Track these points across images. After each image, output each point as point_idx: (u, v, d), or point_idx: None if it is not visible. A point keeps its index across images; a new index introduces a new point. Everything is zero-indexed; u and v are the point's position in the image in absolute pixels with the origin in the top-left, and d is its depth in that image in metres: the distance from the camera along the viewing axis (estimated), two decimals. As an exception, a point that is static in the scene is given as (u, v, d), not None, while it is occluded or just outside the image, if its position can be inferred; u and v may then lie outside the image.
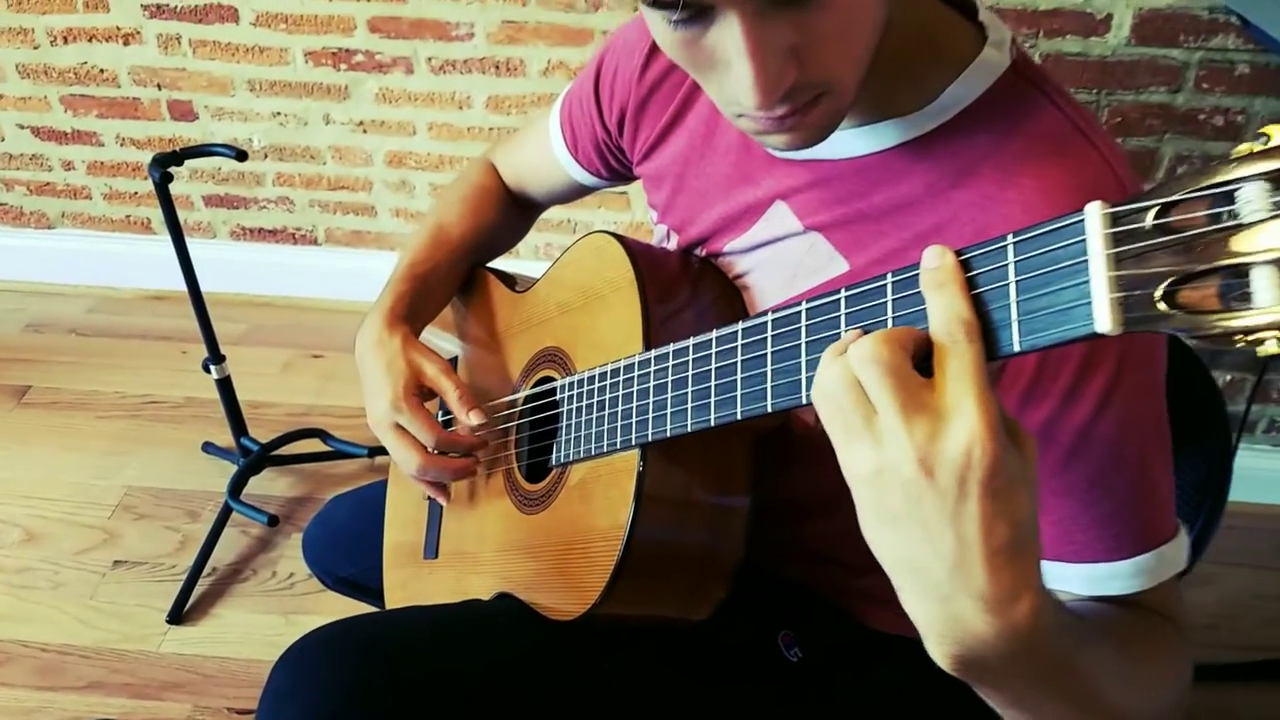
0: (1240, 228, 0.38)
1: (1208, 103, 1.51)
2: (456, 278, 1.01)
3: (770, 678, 0.83)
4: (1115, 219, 0.42)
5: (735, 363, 0.61)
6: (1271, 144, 0.39)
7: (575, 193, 1.01)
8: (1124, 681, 0.56)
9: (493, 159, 1.06)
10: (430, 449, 0.86)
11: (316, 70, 1.97)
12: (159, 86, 2.02)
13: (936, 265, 0.46)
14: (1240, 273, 0.38)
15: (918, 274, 0.48)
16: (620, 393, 0.72)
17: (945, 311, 0.45)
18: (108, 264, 2.28)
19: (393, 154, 2.07)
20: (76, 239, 2.28)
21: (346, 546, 1.17)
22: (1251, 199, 0.39)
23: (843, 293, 0.53)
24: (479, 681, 0.75)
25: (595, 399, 0.75)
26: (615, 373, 0.73)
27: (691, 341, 0.65)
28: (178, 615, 1.63)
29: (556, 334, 0.86)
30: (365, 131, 2.04)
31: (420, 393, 0.88)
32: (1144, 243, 0.41)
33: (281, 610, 1.66)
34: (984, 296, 0.46)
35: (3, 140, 2.14)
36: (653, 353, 0.69)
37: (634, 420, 0.70)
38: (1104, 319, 0.41)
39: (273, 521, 1.73)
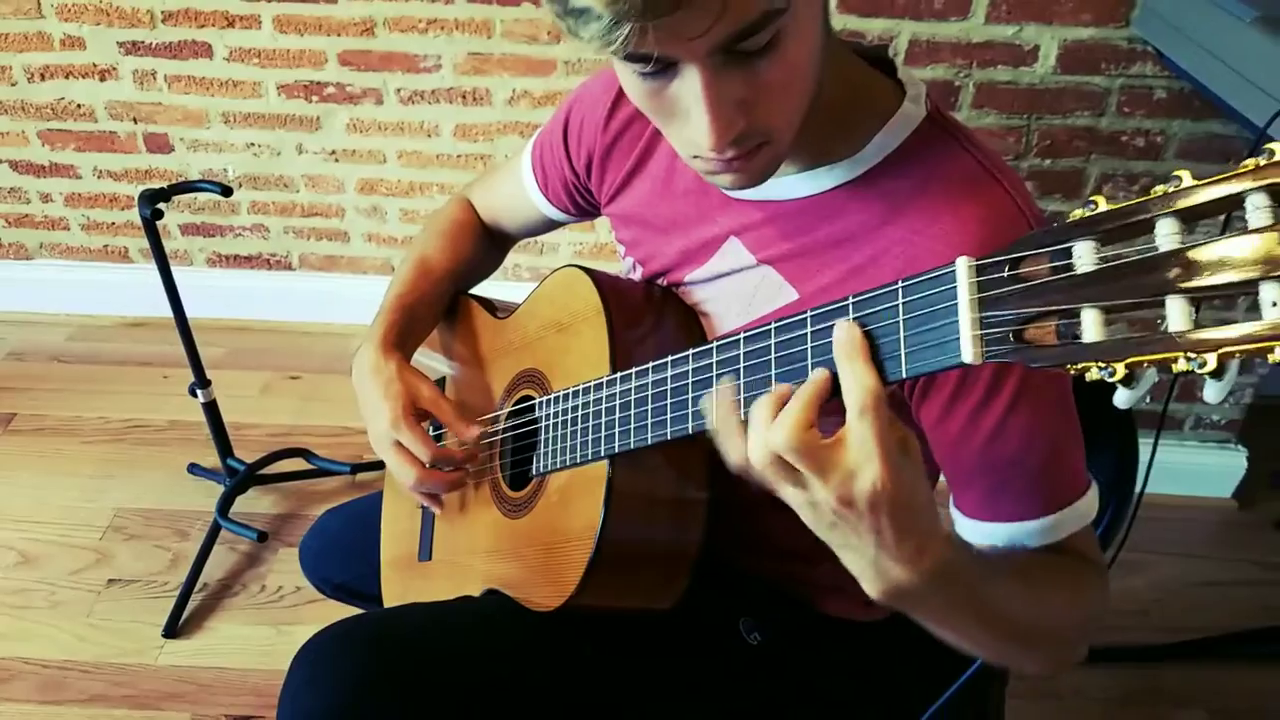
0: (1074, 278, 0.49)
1: (1129, 125, 1.64)
2: (441, 305, 1.10)
3: (733, 659, 0.93)
4: (979, 270, 0.52)
5: (686, 384, 0.71)
6: (1098, 211, 0.49)
7: (546, 226, 1.11)
8: (1028, 605, 0.70)
9: (469, 196, 1.16)
10: (426, 464, 0.95)
11: (289, 102, 2.05)
12: (135, 120, 2.10)
13: (845, 339, 0.57)
14: (1073, 314, 0.49)
15: (831, 311, 0.59)
16: (591, 410, 0.82)
17: (854, 383, 0.56)
18: (87, 292, 2.35)
19: (364, 181, 2.16)
20: (55, 269, 2.35)
21: (340, 555, 1.25)
22: (1082, 254, 0.49)
23: (773, 325, 0.63)
24: (475, 666, 0.84)
25: (570, 415, 0.85)
26: (587, 392, 0.83)
27: (651, 365, 0.75)
28: (173, 629, 1.70)
29: (535, 357, 0.96)
30: (337, 160, 2.13)
31: (416, 413, 0.97)
32: (1001, 290, 0.51)
33: (272, 622, 1.74)
34: (878, 332, 0.56)
35: (-17, 175, 2.20)
36: (619, 375, 0.79)
37: (603, 434, 0.80)
38: (968, 352, 0.52)
39: (262, 537, 1.81)
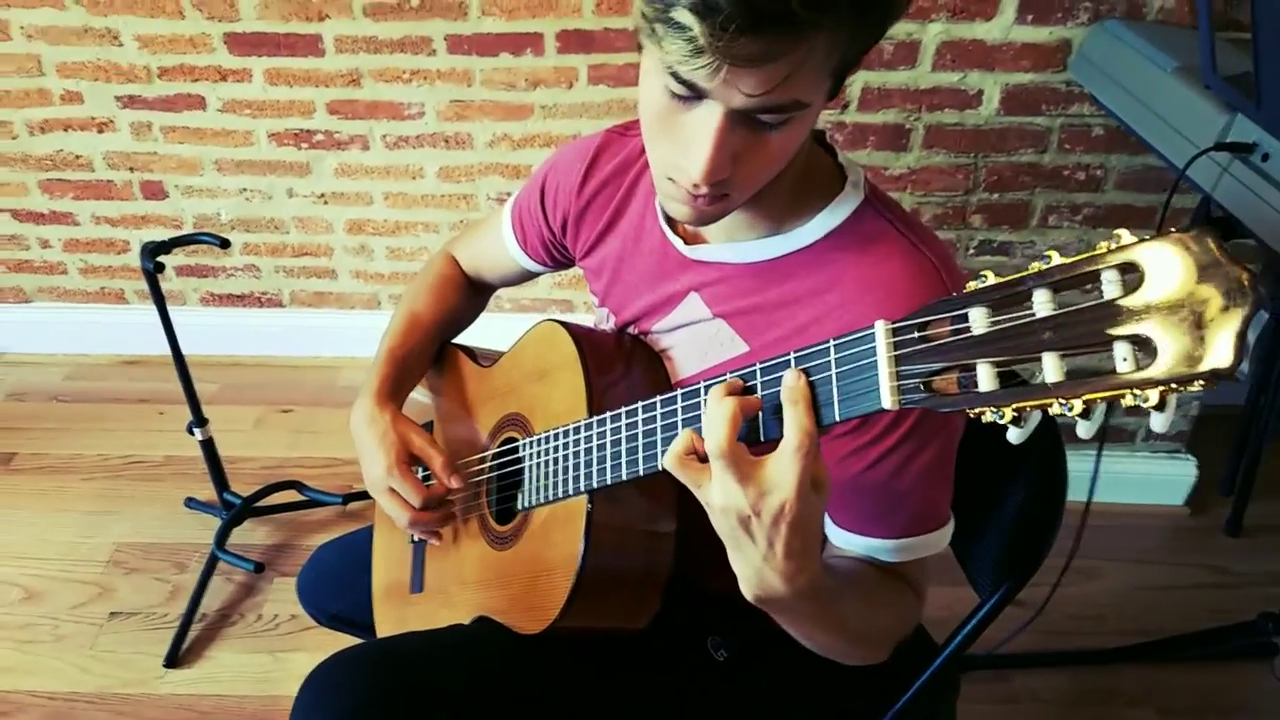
0: (970, 338, 0.59)
1: (1071, 160, 1.75)
2: (429, 356, 1.19)
3: (701, 675, 1.02)
4: (895, 332, 0.62)
5: (655, 427, 0.80)
6: (988, 284, 0.59)
7: (524, 277, 1.21)
8: (862, 619, 0.83)
9: (452, 251, 1.26)
10: (416, 507, 1.04)
11: (280, 149, 2.14)
12: (132, 169, 2.18)
13: (793, 385, 0.67)
14: (970, 368, 0.59)
15: (776, 363, 0.68)
16: (570, 450, 0.91)
17: (794, 425, 0.66)
18: (84, 333, 2.43)
19: (352, 222, 2.25)
20: (53, 311, 2.42)
21: (335, 586, 1.33)
22: (977, 319, 0.59)
23: (729, 375, 0.73)
24: (468, 685, 0.93)
25: (551, 455, 0.94)
26: (567, 434, 0.92)
27: (624, 410, 0.84)
28: (174, 659, 1.77)
29: (518, 402, 1.05)
30: (326, 202, 2.22)
31: (409, 460, 1.06)
32: (912, 348, 0.61)
33: (269, 650, 1.81)
34: (817, 382, 0.66)
35: (-18, 223, 2.28)
36: (594, 418, 0.88)
37: (581, 472, 0.89)
38: (886, 399, 0.61)
39: (259, 568, 1.88)
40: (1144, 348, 0.52)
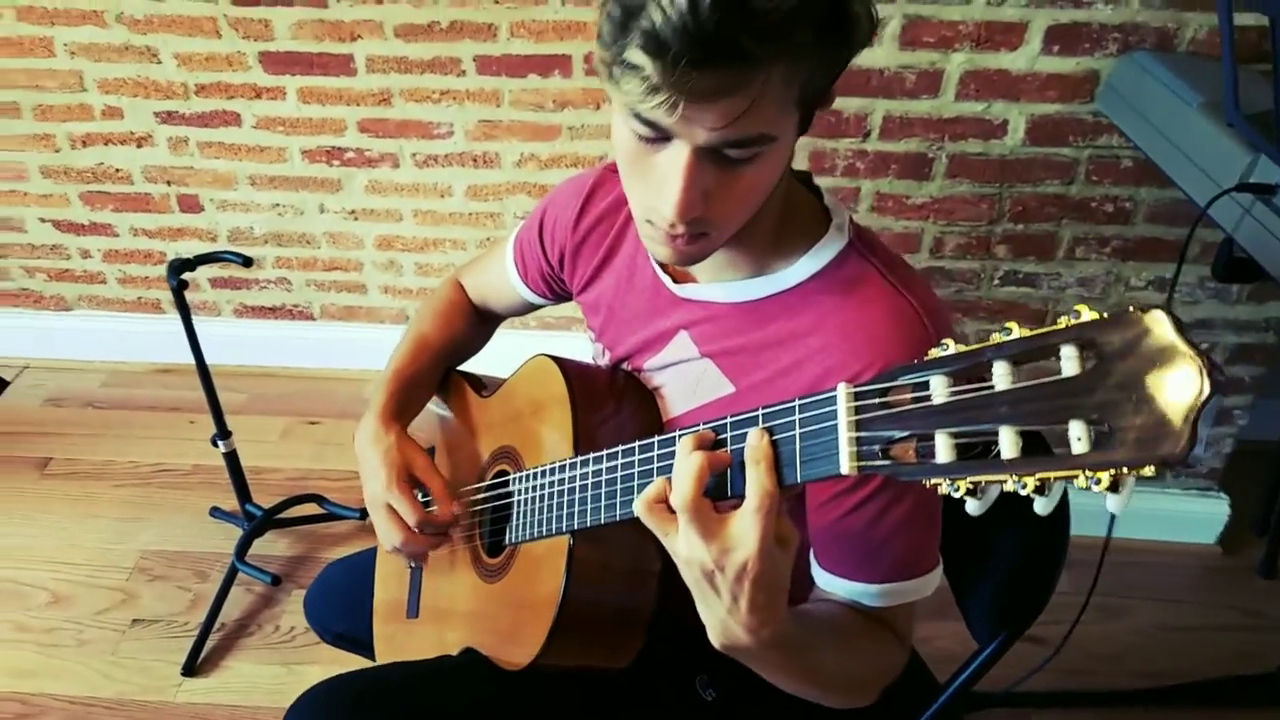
0: (930, 407, 0.58)
1: (1098, 192, 1.72)
2: (435, 378, 1.20)
3: (690, 714, 1.02)
4: (857, 396, 0.61)
5: (634, 472, 0.80)
6: (948, 353, 0.58)
7: (527, 308, 1.22)
8: (838, 666, 0.82)
9: (460, 279, 1.27)
10: (413, 527, 1.05)
11: (312, 166, 2.18)
12: (169, 183, 2.23)
13: (755, 445, 0.67)
14: (929, 438, 0.58)
15: (745, 418, 0.68)
16: (556, 490, 0.91)
17: (755, 485, 0.66)
18: (121, 341, 2.48)
19: (382, 238, 2.28)
20: (92, 319, 2.48)
21: (340, 606, 1.35)
22: (937, 388, 0.58)
23: (700, 427, 0.72)
24: (449, 716, 0.94)
25: (538, 493, 0.95)
26: (553, 472, 0.92)
27: (606, 452, 0.84)
28: (191, 668, 1.80)
29: (511, 435, 1.05)
30: (356, 219, 2.25)
31: (410, 480, 1.06)
32: (872, 414, 0.60)
33: (284, 661, 1.84)
34: (781, 441, 0.66)
35: (26, 233, 2.34)
36: (579, 459, 0.88)
37: (565, 513, 0.89)
38: (845, 465, 0.61)
39: (275, 581, 1.91)
40: (1099, 429, 0.51)
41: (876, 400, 0.60)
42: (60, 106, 2.13)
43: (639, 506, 0.72)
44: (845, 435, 0.61)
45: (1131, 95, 1.52)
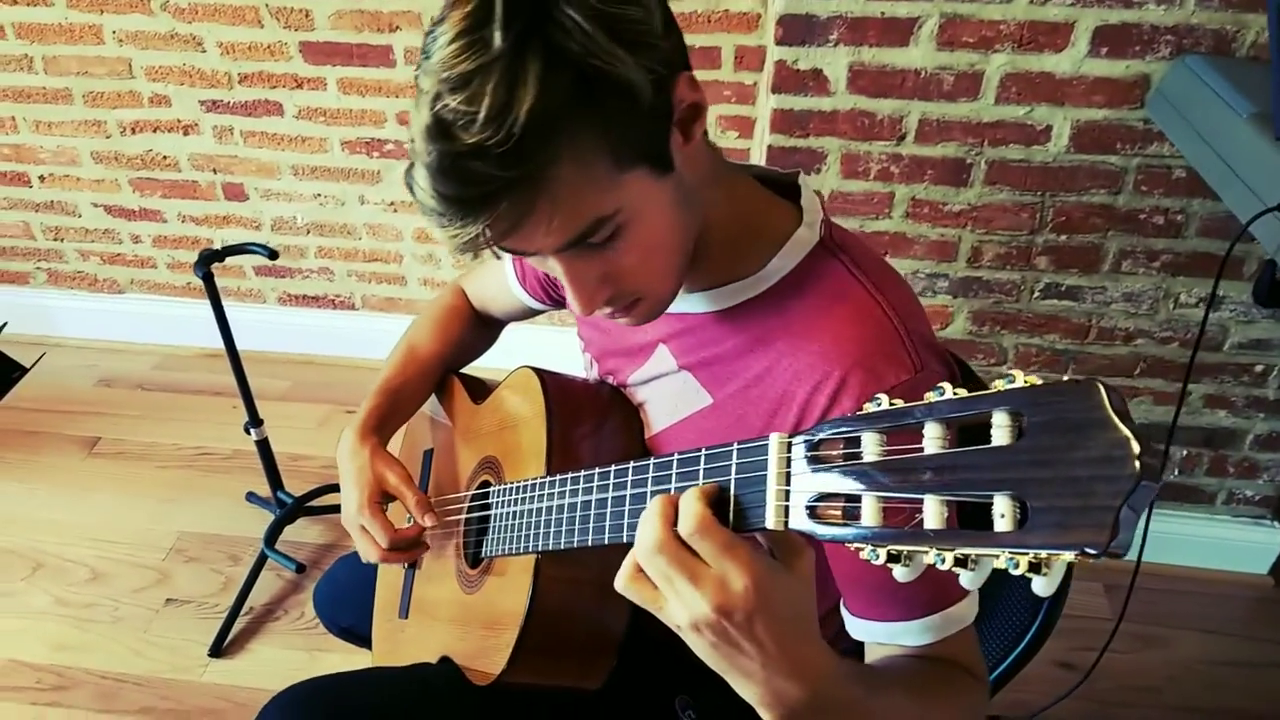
0: (859, 465, 0.54)
1: (1147, 203, 1.63)
2: (425, 389, 1.20)
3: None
4: (786, 447, 0.58)
5: (608, 498, 0.77)
6: (881, 408, 0.55)
7: (527, 314, 1.20)
8: (920, 713, 0.73)
9: (462, 285, 1.25)
10: (384, 548, 1.05)
11: (352, 157, 2.19)
12: (215, 171, 2.27)
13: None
14: (855, 498, 0.54)
15: (691, 457, 0.65)
16: (528, 508, 0.89)
17: (691, 518, 0.60)
18: (170, 325, 2.54)
19: (420, 230, 2.28)
20: (143, 303, 2.54)
21: (347, 600, 1.36)
22: (868, 445, 0.55)
23: (675, 456, 0.69)
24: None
25: (512, 509, 0.93)
26: (528, 489, 0.90)
27: (581, 474, 0.81)
28: (218, 649, 1.84)
29: (494, 446, 1.04)
30: (396, 211, 2.26)
31: (382, 499, 1.06)
32: (800, 468, 0.57)
33: (306, 647, 1.86)
34: (723, 485, 0.62)
35: (80, 217, 2.40)
36: (553, 478, 0.85)
37: (535, 533, 0.87)
38: (770, 518, 0.58)
39: (300, 569, 1.94)
40: (1020, 507, 0.47)
41: (806, 454, 0.57)
42: (110, 93, 2.17)
43: (621, 582, 0.65)
44: (772, 488, 0.58)
45: (1181, 102, 1.44)
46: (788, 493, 0.58)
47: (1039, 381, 0.48)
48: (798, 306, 0.82)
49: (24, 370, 1.26)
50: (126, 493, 2.19)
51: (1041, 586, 0.47)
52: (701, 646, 0.62)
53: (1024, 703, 1.64)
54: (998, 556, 0.48)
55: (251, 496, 2.14)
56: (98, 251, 2.47)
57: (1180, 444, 1.85)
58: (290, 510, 2.01)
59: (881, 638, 0.82)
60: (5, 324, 1.33)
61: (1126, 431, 0.43)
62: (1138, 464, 0.43)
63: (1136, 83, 1.53)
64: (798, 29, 1.55)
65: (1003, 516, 0.47)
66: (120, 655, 1.84)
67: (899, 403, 0.54)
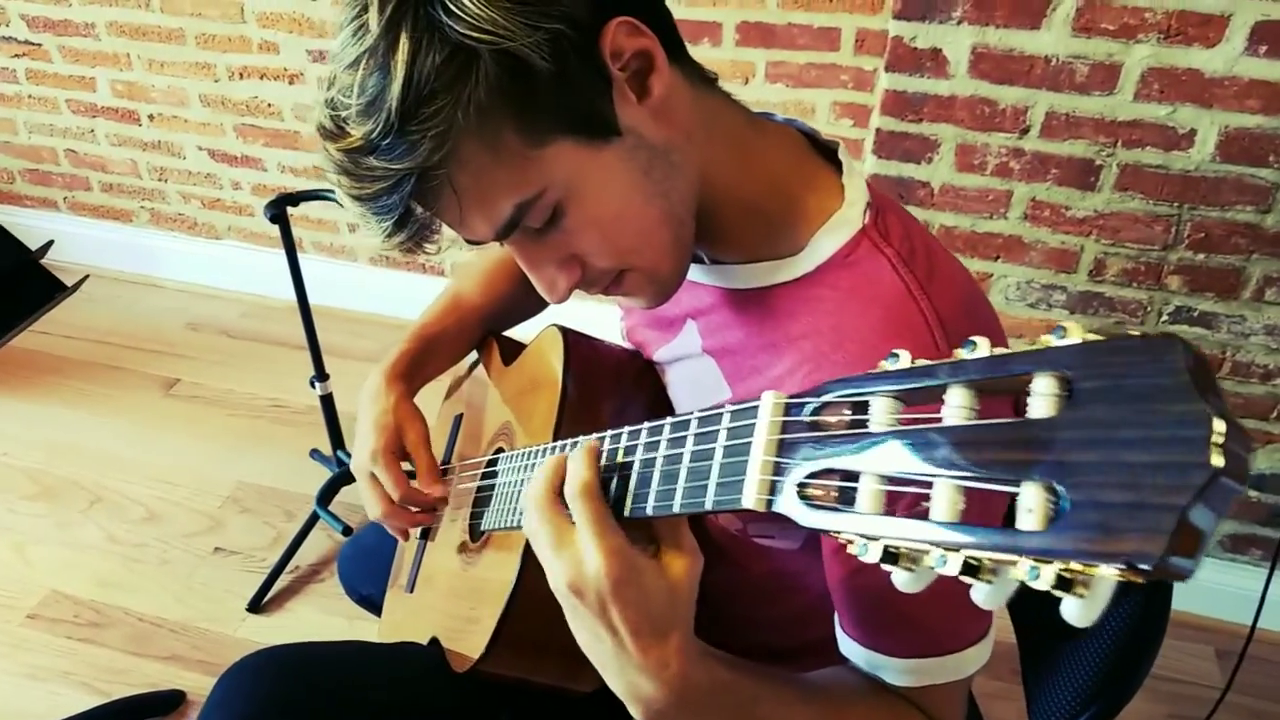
0: (864, 435, 0.43)
1: (1303, 226, 1.44)
2: (464, 342, 1.11)
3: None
4: (786, 409, 0.46)
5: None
6: (899, 365, 0.43)
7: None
8: None
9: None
10: (396, 501, 0.96)
11: (449, 120, 2.14)
12: (315, 124, 2.25)
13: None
14: (854, 477, 0.43)
15: (712, 415, 0.54)
16: (527, 475, 0.80)
17: (571, 478, 0.57)
18: (261, 275, 2.54)
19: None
20: (238, 250, 2.55)
21: (368, 568, 1.29)
22: (877, 413, 0.43)
23: (668, 421, 0.58)
24: (376, 713, 0.84)
25: (514, 477, 0.83)
26: (528, 456, 0.81)
27: (580, 438, 0.71)
28: (257, 605, 1.81)
29: (512, 412, 0.95)
30: (488, 178, 2.20)
31: (398, 450, 0.98)
32: (798, 435, 0.45)
33: (345, 614, 1.80)
34: (699, 454, 0.51)
35: (185, 159, 2.42)
36: (550, 444, 0.76)
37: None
38: (749, 496, 0.46)
39: (347, 531, 1.88)
40: (1053, 499, 0.35)
41: (806, 417, 0.46)
42: (221, 37, 2.18)
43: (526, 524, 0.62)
44: (758, 459, 0.47)
45: (1354, 109, 1.25)
46: (776, 464, 0.46)
47: (1098, 338, 0.35)
48: (830, 304, 0.70)
49: (66, 289, 1.24)
50: (195, 435, 2.19)
51: (1076, 611, 0.34)
52: (567, 615, 0.60)
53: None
54: (1015, 563, 0.36)
55: (315, 453, 2.11)
56: (199, 195, 2.49)
57: (1268, 491, 1.64)
58: (346, 470, 1.96)
59: (859, 661, 0.72)
60: (51, 242, 1.31)
61: (1208, 407, 0.31)
62: (1218, 452, 0.30)
63: (1300, 88, 1.34)
64: (918, 2, 1.42)
65: (1030, 511, 0.35)
66: (161, 600, 1.83)
67: (922, 361, 0.42)
